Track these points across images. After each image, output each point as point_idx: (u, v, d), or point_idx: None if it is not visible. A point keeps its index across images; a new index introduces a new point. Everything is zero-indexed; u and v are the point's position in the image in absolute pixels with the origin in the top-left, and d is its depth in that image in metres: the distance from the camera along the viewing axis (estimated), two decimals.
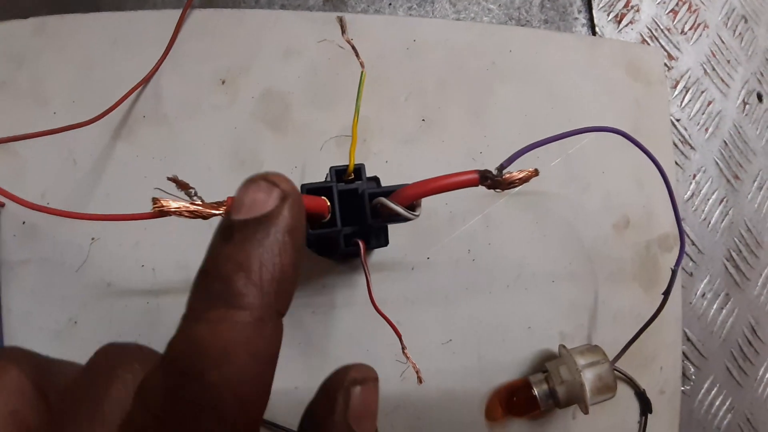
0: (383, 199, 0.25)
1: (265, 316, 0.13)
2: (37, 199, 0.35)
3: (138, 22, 0.37)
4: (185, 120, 0.36)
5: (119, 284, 0.34)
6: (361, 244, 0.26)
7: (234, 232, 0.13)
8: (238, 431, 0.12)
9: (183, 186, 0.22)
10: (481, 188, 0.36)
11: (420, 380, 0.33)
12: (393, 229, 0.32)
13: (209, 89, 0.36)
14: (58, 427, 0.14)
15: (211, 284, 0.13)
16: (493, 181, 0.25)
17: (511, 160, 0.26)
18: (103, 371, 0.15)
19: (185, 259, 0.35)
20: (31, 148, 0.35)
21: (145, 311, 0.34)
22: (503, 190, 0.26)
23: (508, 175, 0.25)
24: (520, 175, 0.25)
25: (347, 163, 0.27)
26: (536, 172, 0.26)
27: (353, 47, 0.29)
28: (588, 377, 0.34)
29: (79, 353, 0.33)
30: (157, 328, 0.34)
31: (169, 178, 0.22)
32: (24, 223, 0.35)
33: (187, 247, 0.35)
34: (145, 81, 0.35)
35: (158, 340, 0.36)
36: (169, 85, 0.36)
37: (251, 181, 0.14)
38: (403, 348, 0.32)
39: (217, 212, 0.22)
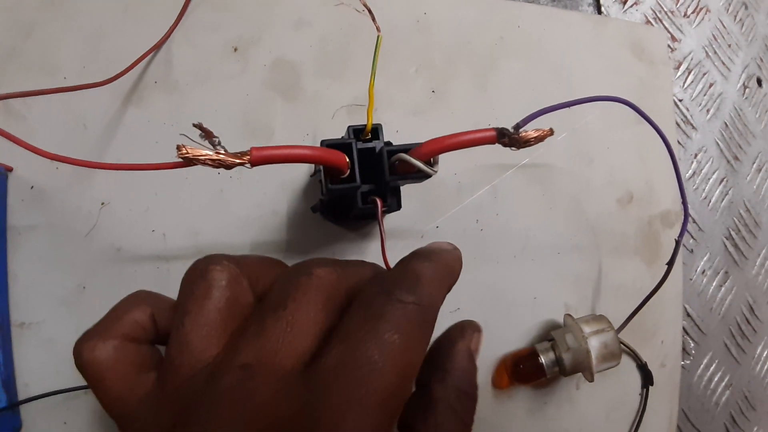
0: (403, 155, 0.25)
1: (443, 287, 0.21)
2: (47, 163, 0.34)
3: None
4: (197, 87, 0.36)
5: (129, 249, 0.34)
6: (378, 201, 0.27)
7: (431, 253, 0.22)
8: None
9: (208, 134, 0.22)
10: (490, 158, 0.37)
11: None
12: (403, 196, 0.32)
13: (221, 57, 0.37)
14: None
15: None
16: (510, 138, 0.25)
17: (526, 121, 0.27)
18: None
19: (196, 224, 0.35)
20: (40, 113, 0.35)
21: (155, 276, 0.34)
22: (519, 148, 0.26)
23: (524, 134, 0.25)
24: (536, 134, 0.26)
25: (365, 123, 0.27)
26: (551, 132, 0.26)
27: (370, 11, 0.29)
28: (594, 345, 0.35)
29: (87, 319, 0.33)
30: (167, 293, 0.34)
31: (194, 125, 0.22)
32: (32, 187, 0.34)
33: (198, 212, 0.35)
34: (157, 47, 0.35)
35: None
36: (180, 51, 0.36)
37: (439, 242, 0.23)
38: None
39: (240, 161, 0.22)
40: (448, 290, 0.21)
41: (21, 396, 0.32)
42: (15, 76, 0.35)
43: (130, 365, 0.18)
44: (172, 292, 0.34)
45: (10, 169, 0.34)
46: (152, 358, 0.19)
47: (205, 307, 0.18)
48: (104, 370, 0.18)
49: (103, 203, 0.34)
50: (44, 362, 0.32)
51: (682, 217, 0.37)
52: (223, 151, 0.22)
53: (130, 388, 0.18)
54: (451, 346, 0.22)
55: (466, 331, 0.23)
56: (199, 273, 0.19)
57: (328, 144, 0.26)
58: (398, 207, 0.31)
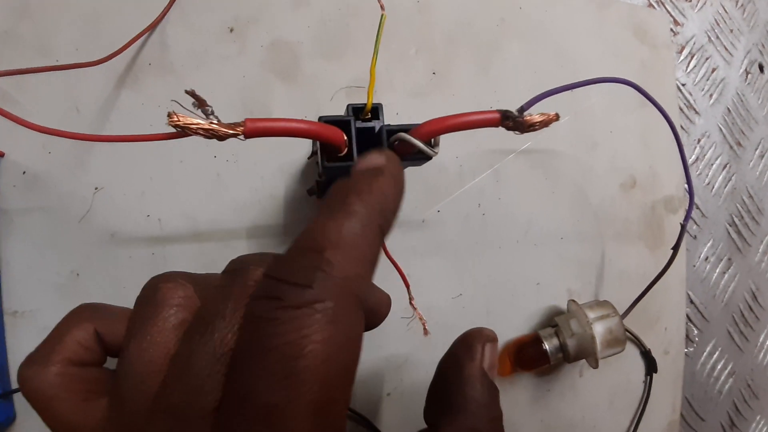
0: (403, 135, 0.24)
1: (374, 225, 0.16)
2: (38, 148, 0.34)
3: None
4: (192, 68, 0.35)
5: (123, 235, 0.34)
6: None
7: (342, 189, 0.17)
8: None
9: (201, 102, 0.21)
10: (492, 142, 0.36)
11: (426, 332, 0.32)
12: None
13: (217, 38, 0.36)
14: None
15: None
16: (514, 122, 0.24)
17: (531, 104, 0.26)
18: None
19: (191, 209, 0.34)
20: (32, 96, 0.34)
21: (150, 262, 0.33)
22: (523, 132, 0.25)
23: (528, 117, 0.25)
24: (541, 118, 0.25)
25: (365, 102, 0.27)
26: (557, 117, 0.26)
27: None
28: (598, 330, 0.34)
29: None
30: None
31: (186, 92, 0.21)
32: (24, 173, 0.34)
33: (193, 197, 0.34)
34: (152, 27, 0.35)
35: None
36: (175, 32, 0.35)
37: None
38: (411, 299, 0.32)
39: (233, 132, 0.22)
40: (383, 236, 0.16)
41: (15, 385, 0.31)
42: (8, 58, 0.34)
43: (77, 392, 0.17)
44: None
45: (2, 155, 0.33)
46: (101, 381, 0.17)
47: (150, 330, 0.16)
48: (49, 399, 0.16)
49: (96, 188, 0.34)
50: None
51: (687, 202, 0.36)
52: (216, 121, 0.21)
53: (82, 416, 0.16)
54: (459, 372, 0.18)
55: (474, 347, 0.19)
56: (149, 292, 0.17)
57: (326, 120, 0.25)
58: None
